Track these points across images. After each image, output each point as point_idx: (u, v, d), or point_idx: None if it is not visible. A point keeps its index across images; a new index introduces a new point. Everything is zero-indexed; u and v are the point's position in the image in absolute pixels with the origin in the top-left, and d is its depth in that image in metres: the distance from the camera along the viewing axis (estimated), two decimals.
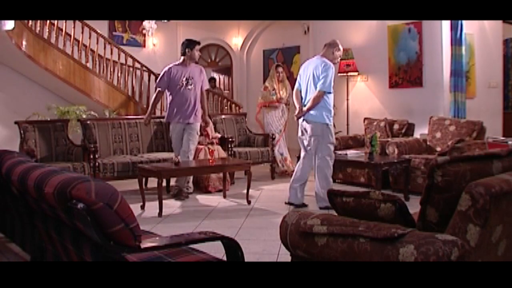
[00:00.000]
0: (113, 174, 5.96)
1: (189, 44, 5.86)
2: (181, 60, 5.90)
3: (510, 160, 2.19)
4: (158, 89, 5.92)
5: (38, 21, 8.25)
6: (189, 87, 5.81)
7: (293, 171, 6.84)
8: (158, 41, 11.10)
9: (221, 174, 6.05)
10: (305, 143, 5.30)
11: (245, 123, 7.78)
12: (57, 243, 2.31)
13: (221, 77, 13.30)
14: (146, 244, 1.99)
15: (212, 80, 11.32)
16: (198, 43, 5.93)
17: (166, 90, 5.89)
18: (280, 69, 7.60)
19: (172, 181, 6.28)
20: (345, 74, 8.04)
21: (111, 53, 9.23)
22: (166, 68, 5.89)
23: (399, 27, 7.46)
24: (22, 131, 5.95)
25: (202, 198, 5.91)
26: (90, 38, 8.87)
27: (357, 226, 1.99)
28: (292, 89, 7.59)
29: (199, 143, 6.39)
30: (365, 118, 7.33)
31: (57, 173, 2.07)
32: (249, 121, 8.21)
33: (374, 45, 7.87)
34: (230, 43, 11.82)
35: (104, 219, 1.83)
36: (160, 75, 5.91)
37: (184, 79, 5.80)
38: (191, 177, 5.96)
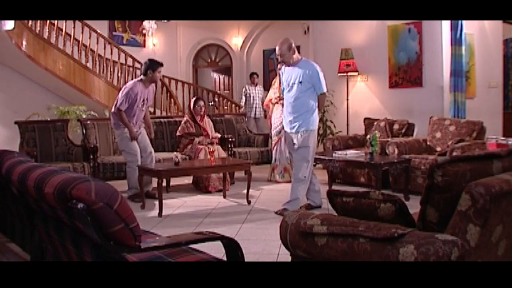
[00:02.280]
0: (113, 174, 5.95)
1: (152, 65, 5.66)
2: (142, 78, 5.70)
3: (510, 160, 2.19)
4: (121, 110, 5.59)
5: (38, 21, 8.25)
6: (143, 108, 5.79)
7: (287, 181, 6.61)
8: (158, 41, 11.10)
9: (221, 174, 6.05)
10: None
11: (245, 123, 7.78)
12: (57, 243, 2.31)
13: (221, 77, 13.30)
14: (146, 244, 1.99)
15: (254, 75, 10.05)
16: (161, 64, 5.75)
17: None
18: (279, 66, 6.78)
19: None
20: (345, 74, 8.04)
21: (111, 53, 9.25)
22: (129, 88, 5.61)
23: (399, 27, 7.46)
24: (22, 131, 5.95)
25: (202, 198, 5.91)
26: (90, 38, 8.88)
27: (357, 226, 1.99)
28: None
29: (199, 143, 6.40)
30: (365, 118, 7.33)
31: (57, 173, 2.07)
32: (249, 121, 8.20)
33: (374, 45, 7.87)
34: (230, 43, 11.82)
35: (104, 219, 1.83)
36: (125, 97, 5.55)
37: (141, 100, 5.71)
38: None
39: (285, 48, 4.90)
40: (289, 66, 4.98)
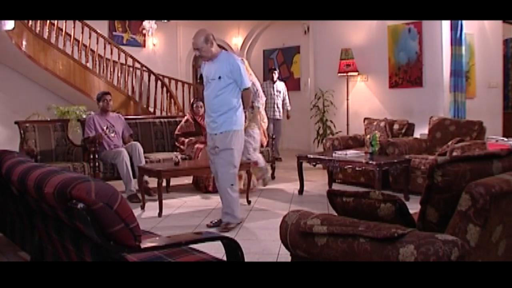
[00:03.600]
0: (113, 174, 5.95)
1: (99, 96, 6.24)
2: (99, 110, 6.21)
3: (510, 160, 2.19)
4: (88, 136, 5.98)
5: (38, 21, 8.25)
6: (112, 134, 6.09)
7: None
8: (158, 41, 11.09)
9: None
10: None
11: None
12: (57, 243, 2.31)
13: None
14: (146, 244, 1.99)
15: (273, 70, 9.02)
16: (108, 93, 6.27)
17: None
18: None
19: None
20: (345, 74, 8.04)
21: (111, 53, 9.24)
22: (88, 118, 6.18)
23: (399, 27, 7.46)
24: (22, 131, 5.95)
25: (202, 198, 5.91)
26: (90, 38, 8.87)
27: (357, 226, 1.99)
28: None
29: (197, 142, 6.40)
30: (365, 118, 7.33)
31: (57, 173, 2.07)
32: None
33: (374, 45, 7.87)
34: (230, 43, 11.81)
35: (104, 219, 1.83)
36: (86, 126, 6.07)
37: (105, 127, 6.04)
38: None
39: (201, 41, 4.31)
40: (208, 60, 4.46)
